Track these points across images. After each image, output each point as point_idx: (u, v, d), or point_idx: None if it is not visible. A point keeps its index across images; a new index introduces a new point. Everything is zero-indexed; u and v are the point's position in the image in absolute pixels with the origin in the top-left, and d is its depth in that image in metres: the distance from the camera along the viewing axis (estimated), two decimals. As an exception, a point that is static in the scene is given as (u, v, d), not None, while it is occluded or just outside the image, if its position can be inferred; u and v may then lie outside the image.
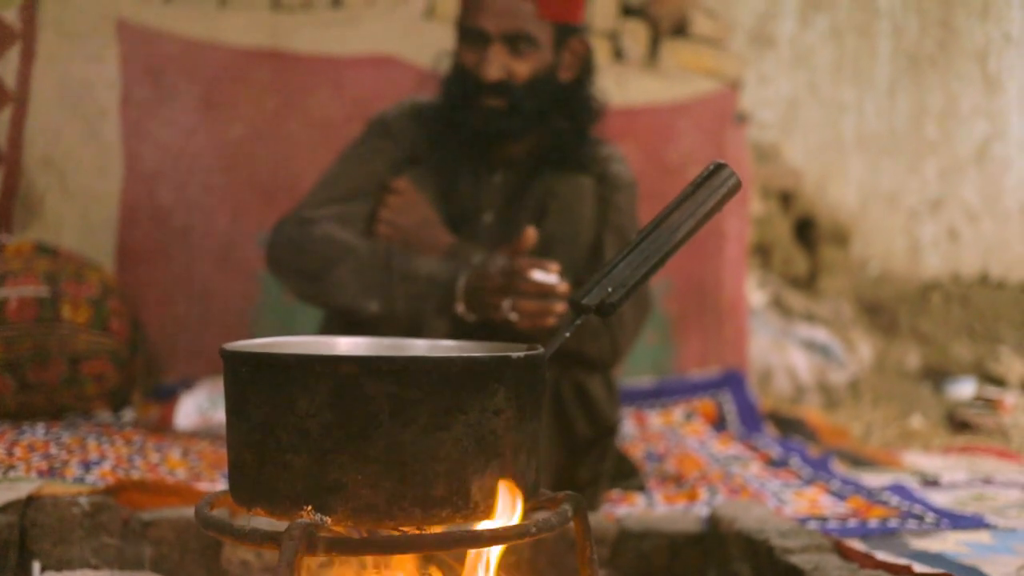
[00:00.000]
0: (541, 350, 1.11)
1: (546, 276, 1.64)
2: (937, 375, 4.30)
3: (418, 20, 3.57)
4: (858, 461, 2.85)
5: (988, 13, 5.32)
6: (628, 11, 3.68)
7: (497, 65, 1.86)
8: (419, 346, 1.28)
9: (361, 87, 3.43)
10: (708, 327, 3.54)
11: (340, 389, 0.99)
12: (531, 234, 1.70)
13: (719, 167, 1.22)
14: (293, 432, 1.01)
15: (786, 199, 4.29)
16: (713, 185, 1.21)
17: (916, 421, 3.48)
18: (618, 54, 3.65)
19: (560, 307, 1.65)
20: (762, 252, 4.19)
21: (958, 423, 3.50)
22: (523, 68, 1.88)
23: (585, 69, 2.00)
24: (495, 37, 1.86)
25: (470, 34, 1.89)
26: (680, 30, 3.73)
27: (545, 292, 1.64)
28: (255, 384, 1.05)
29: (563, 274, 1.72)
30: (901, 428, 3.41)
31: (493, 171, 2.01)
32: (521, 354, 1.06)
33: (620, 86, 3.51)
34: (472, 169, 2.00)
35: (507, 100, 1.88)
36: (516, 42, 1.86)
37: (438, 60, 2.05)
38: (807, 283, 4.28)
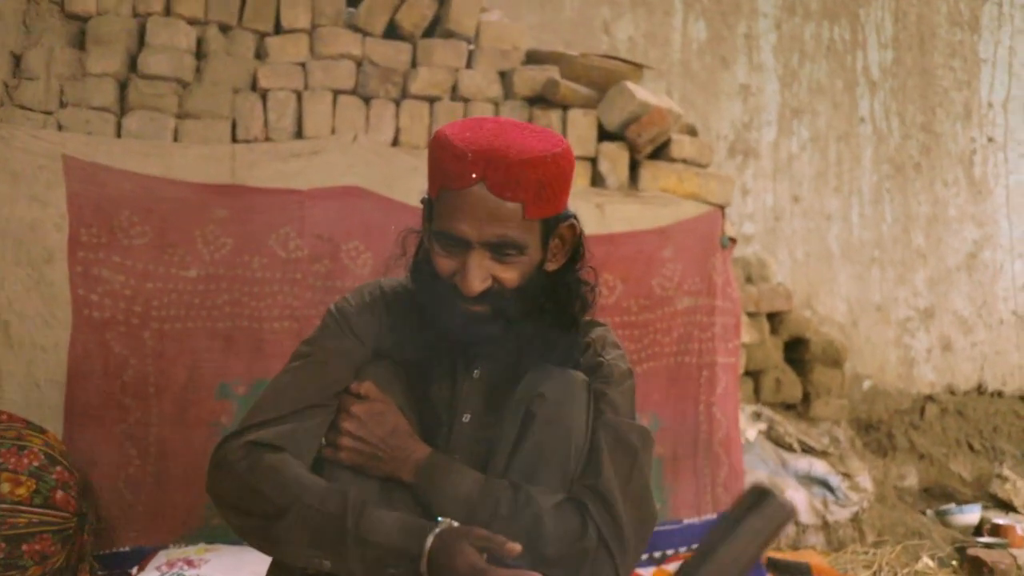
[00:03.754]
0: None
1: None
2: (938, 496, 4.11)
3: (384, 149, 3.38)
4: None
5: (970, 117, 5.25)
6: (606, 135, 3.52)
7: (480, 276, 1.64)
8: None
9: (325, 221, 3.22)
10: (701, 467, 3.33)
11: None
12: (514, 549, 1.48)
13: (763, 495, 1.01)
14: None
15: (775, 319, 4.12)
16: (760, 520, 1.00)
17: (926, 561, 3.27)
18: (596, 179, 3.48)
19: None
20: (752, 376, 4.00)
21: (971, 560, 3.29)
22: (509, 274, 1.66)
23: (574, 253, 1.79)
24: (476, 244, 1.65)
25: (447, 239, 1.68)
26: (660, 153, 3.57)
27: None
28: None
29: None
30: (911, 571, 3.19)
31: (470, 366, 1.79)
32: None
33: (600, 212, 3.34)
34: (447, 364, 1.79)
35: (491, 306, 1.67)
36: (501, 249, 1.65)
37: (402, 239, 1.84)
38: (801, 407, 4.09)
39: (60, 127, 3.23)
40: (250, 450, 1.61)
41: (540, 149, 1.63)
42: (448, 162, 1.64)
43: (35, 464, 2.71)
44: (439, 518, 1.54)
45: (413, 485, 1.68)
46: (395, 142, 3.43)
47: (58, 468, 2.75)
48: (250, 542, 1.61)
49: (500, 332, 1.70)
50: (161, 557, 2.74)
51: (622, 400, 1.77)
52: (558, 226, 1.72)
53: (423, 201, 1.78)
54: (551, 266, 1.75)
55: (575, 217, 1.76)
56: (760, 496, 1.03)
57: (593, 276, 1.84)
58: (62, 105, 3.25)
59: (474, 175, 1.61)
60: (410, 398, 1.77)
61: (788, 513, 1.03)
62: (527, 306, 1.70)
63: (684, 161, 3.58)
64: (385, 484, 1.68)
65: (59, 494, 2.72)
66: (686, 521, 3.25)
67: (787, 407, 4.09)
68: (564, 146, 1.67)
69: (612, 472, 1.68)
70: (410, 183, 3.24)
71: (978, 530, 3.85)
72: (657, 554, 3.13)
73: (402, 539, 1.50)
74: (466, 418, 1.77)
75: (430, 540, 1.49)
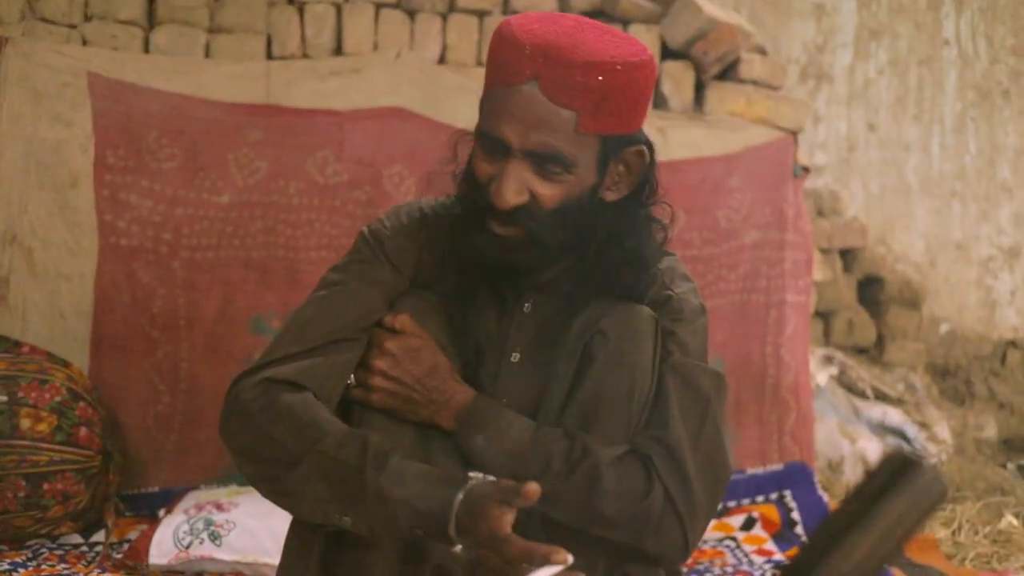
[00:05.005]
0: None
1: (547, 572, 1.19)
2: (1019, 448, 3.85)
3: (429, 67, 3.15)
4: (957, 593, 2.41)
5: (1064, 39, 4.87)
6: (669, 53, 3.24)
7: (514, 188, 1.40)
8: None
9: (366, 145, 3.03)
10: (767, 413, 3.10)
11: None
12: (532, 492, 1.25)
13: (907, 465, 0.77)
14: None
15: (848, 255, 3.84)
16: (905, 499, 0.77)
17: (1009, 519, 3.03)
18: (659, 101, 3.22)
19: None
20: (822, 317, 3.74)
21: (1057, 520, 3.05)
22: (550, 192, 1.41)
23: (642, 186, 1.54)
24: (517, 152, 1.41)
25: (488, 141, 1.44)
26: (728, 73, 3.29)
27: None
28: None
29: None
30: (994, 529, 2.95)
31: (520, 298, 1.56)
32: None
33: (662, 137, 3.08)
34: (493, 296, 1.56)
35: (524, 229, 1.43)
36: (544, 162, 1.40)
37: (454, 143, 1.59)
38: (875, 351, 3.83)
39: (84, 42, 3.04)
40: (266, 388, 1.41)
41: (611, 54, 1.38)
42: (504, 53, 1.41)
43: (57, 399, 2.57)
44: (471, 472, 1.32)
45: (454, 433, 1.47)
46: (441, 60, 3.20)
47: (81, 404, 2.61)
48: (263, 494, 1.41)
49: (533, 261, 1.46)
50: (190, 499, 2.58)
51: (693, 340, 1.54)
52: (623, 150, 1.46)
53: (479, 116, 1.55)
54: (610, 195, 1.50)
55: (647, 144, 1.50)
56: (903, 467, 0.79)
57: (669, 215, 1.59)
58: (87, 18, 3.05)
59: (528, 72, 1.37)
60: (451, 334, 1.55)
61: (942, 489, 0.80)
62: (569, 235, 1.45)
63: (754, 82, 3.31)
64: (422, 431, 1.48)
65: (82, 431, 2.58)
66: (750, 471, 3.03)
67: (859, 351, 3.83)
68: (644, 57, 1.41)
69: (681, 422, 1.46)
70: (457, 104, 3.02)
71: (1063, 486, 3.60)
72: (718, 506, 2.92)
73: (428, 496, 1.28)
74: (515, 357, 1.55)
75: (459, 499, 1.27)
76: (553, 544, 1.41)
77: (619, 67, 1.37)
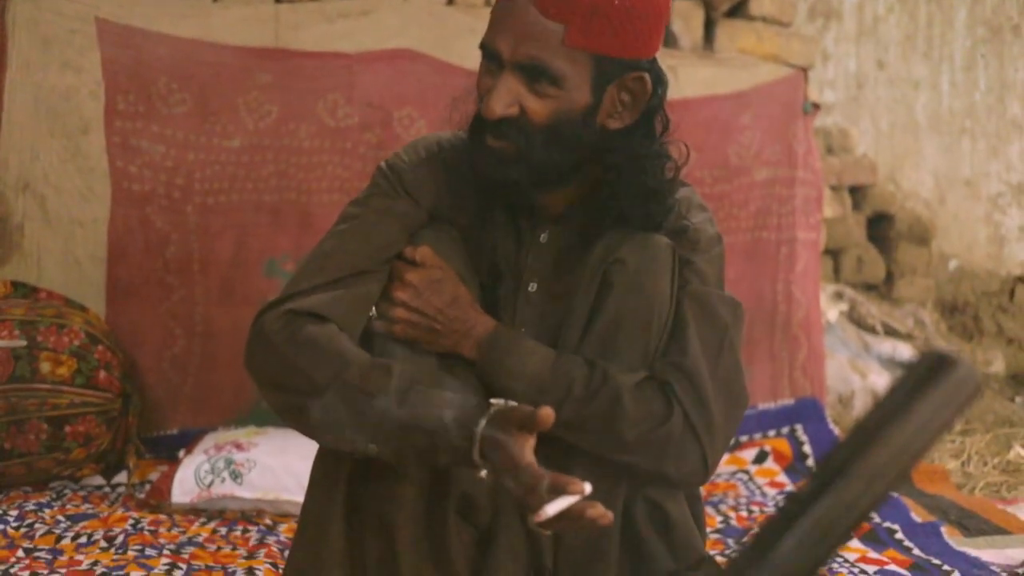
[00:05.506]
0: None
1: (563, 503, 1.20)
2: (1025, 382, 3.88)
3: (438, 8, 3.13)
4: (967, 521, 2.44)
5: (1076, -28, 4.81)
6: (679, -9, 3.23)
7: (504, 100, 1.41)
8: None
9: (376, 87, 3.01)
10: (778, 350, 3.12)
11: None
12: (547, 416, 1.26)
13: (943, 363, 0.79)
14: None
15: (857, 193, 3.83)
16: (941, 394, 0.78)
17: (1017, 451, 3.06)
18: (669, 40, 3.20)
19: (601, 521, 1.20)
20: (832, 255, 3.74)
21: (1065, 450, 3.08)
22: (539, 107, 1.43)
23: (649, 117, 1.54)
24: (508, 64, 1.42)
25: (487, 53, 1.46)
26: (738, 11, 3.27)
27: (568, 519, 1.21)
28: None
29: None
30: (1003, 460, 2.99)
31: (537, 228, 1.58)
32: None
33: (673, 76, 3.06)
34: (510, 226, 1.58)
35: (514, 144, 1.44)
36: (533, 74, 1.42)
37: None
38: (884, 287, 3.84)
39: (92, -13, 3.02)
40: (290, 320, 1.42)
41: None
42: None
43: (76, 343, 2.59)
44: (492, 400, 1.34)
45: (475, 362, 1.50)
46: (450, 0, 3.18)
47: (100, 347, 2.63)
48: (289, 423, 1.43)
49: (524, 180, 1.47)
50: (209, 440, 2.61)
51: (710, 268, 1.56)
52: (623, 75, 1.47)
53: None
54: (613, 123, 1.50)
55: (653, 72, 1.50)
56: (939, 363, 0.81)
57: (684, 154, 1.60)
58: (93, -37, 3.03)
59: None
60: (470, 266, 1.57)
61: (976, 384, 0.81)
62: (563, 156, 1.46)
63: (764, 19, 3.29)
64: (444, 361, 1.50)
65: (102, 374, 2.60)
66: (762, 406, 3.05)
67: (869, 287, 3.84)
68: None
69: (699, 349, 1.48)
70: (466, 45, 2.98)
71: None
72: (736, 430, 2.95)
73: (451, 423, 1.30)
74: (532, 287, 1.57)
75: (481, 424, 1.29)
76: (575, 470, 1.45)
77: None
